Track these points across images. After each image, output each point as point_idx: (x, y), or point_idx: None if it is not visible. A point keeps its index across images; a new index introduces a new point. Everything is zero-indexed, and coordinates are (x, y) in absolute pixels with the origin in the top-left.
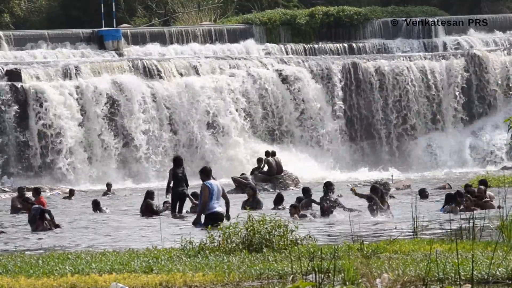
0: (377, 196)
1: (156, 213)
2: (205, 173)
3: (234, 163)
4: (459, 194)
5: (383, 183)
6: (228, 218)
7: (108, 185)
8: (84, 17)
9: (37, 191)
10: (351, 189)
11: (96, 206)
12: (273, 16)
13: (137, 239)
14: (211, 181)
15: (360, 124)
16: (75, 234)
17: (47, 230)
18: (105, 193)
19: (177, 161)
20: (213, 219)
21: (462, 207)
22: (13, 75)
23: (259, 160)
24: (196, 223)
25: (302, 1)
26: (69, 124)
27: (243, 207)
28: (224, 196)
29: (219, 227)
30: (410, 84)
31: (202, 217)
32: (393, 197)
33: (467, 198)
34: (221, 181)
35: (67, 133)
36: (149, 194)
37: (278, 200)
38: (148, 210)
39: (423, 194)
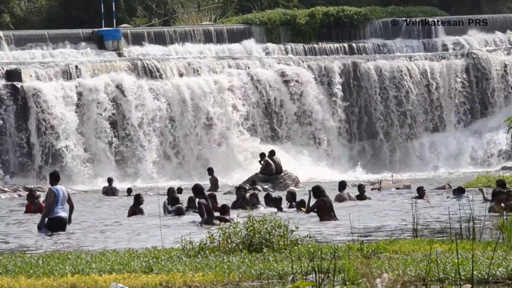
0: (325, 205)
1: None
2: (54, 178)
3: (234, 163)
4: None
5: (358, 184)
6: (69, 221)
7: (110, 180)
8: (84, 17)
9: (31, 195)
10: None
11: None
12: (273, 16)
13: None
14: (58, 186)
15: (360, 124)
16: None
17: None
18: (106, 191)
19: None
20: (56, 223)
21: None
22: (13, 75)
23: (262, 155)
24: (40, 227)
25: (302, 1)
26: (69, 124)
27: (235, 207)
28: (69, 201)
29: (219, 227)
30: (410, 84)
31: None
32: (369, 198)
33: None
34: (221, 181)
35: (67, 133)
36: (138, 200)
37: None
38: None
39: (420, 192)
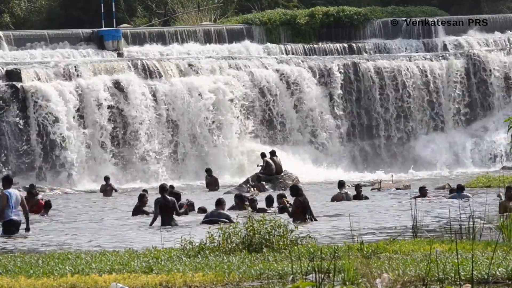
0: (300, 204)
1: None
2: (8, 181)
3: (234, 163)
4: None
5: (355, 184)
6: (27, 229)
7: (106, 179)
8: (84, 17)
9: (30, 194)
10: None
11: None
12: (273, 16)
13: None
14: (11, 190)
15: (360, 124)
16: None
17: None
18: (104, 190)
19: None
20: (9, 226)
21: None
22: (13, 75)
23: (263, 155)
24: None
25: (302, 1)
26: (69, 124)
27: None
28: (23, 206)
29: (219, 227)
30: (410, 84)
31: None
32: (367, 198)
33: None
34: (222, 182)
35: (67, 133)
36: (142, 200)
37: (269, 202)
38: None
39: (422, 191)
